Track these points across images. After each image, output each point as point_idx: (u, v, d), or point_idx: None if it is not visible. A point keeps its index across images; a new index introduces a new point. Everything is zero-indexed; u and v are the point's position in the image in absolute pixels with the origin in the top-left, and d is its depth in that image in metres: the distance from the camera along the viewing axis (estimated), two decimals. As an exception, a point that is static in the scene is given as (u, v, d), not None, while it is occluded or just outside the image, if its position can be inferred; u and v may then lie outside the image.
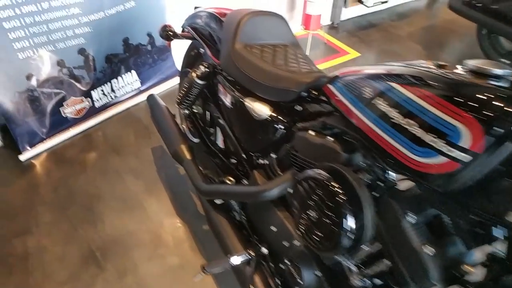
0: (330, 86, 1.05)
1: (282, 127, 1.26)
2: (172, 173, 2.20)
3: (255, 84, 1.33)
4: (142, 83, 2.75)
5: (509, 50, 3.07)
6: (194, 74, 1.61)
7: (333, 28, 3.72)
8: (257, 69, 1.34)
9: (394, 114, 0.82)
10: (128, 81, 2.65)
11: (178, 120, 1.98)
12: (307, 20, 3.16)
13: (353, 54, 3.34)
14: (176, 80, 2.92)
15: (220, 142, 1.94)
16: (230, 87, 1.46)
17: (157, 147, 2.36)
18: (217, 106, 1.64)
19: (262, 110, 1.30)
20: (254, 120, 1.34)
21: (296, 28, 3.44)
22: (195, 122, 1.97)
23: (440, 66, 0.85)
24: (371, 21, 3.90)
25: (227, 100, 1.51)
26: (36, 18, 2.03)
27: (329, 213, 0.89)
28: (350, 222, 0.84)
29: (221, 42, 1.54)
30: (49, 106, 2.29)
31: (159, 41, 2.71)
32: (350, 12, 3.85)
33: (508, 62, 3.04)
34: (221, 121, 1.62)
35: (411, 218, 0.83)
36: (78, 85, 2.37)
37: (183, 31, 1.94)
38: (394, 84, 0.84)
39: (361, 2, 3.92)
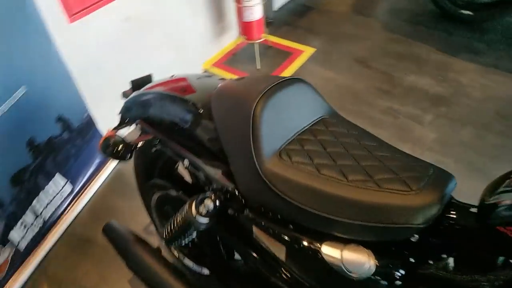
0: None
1: (394, 280, 0.74)
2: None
3: (329, 223, 0.76)
4: (73, 183, 1.96)
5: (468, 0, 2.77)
6: (194, 211, 0.96)
7: (269, 24, 3.14)
8: (326, 198, 0.76)
9: None
10: (54, 190, 1.86)
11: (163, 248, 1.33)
12: (247, 29, 2.54)
13: (308, 50, 2.81)
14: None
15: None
16: (278, 230, 0.85)
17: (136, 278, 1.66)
18: (244, 245, 1.02)
19: (359, 263, 0.74)
20: (342, 277, 0.77)
21: (232, 37, 2.82)
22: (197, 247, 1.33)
23: None
24: (305, 3, 3.38)
25: (273, 248, 0.90)
26: None
27: None
28: None
29: (229, 156, 0.91)
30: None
31: (76, 120, 1.93)
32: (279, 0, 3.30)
33: (471, 13, 2.76)
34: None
35: None
36: (-17, 235, 1.55)
37: (122, 121, 1.26)
38: None
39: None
